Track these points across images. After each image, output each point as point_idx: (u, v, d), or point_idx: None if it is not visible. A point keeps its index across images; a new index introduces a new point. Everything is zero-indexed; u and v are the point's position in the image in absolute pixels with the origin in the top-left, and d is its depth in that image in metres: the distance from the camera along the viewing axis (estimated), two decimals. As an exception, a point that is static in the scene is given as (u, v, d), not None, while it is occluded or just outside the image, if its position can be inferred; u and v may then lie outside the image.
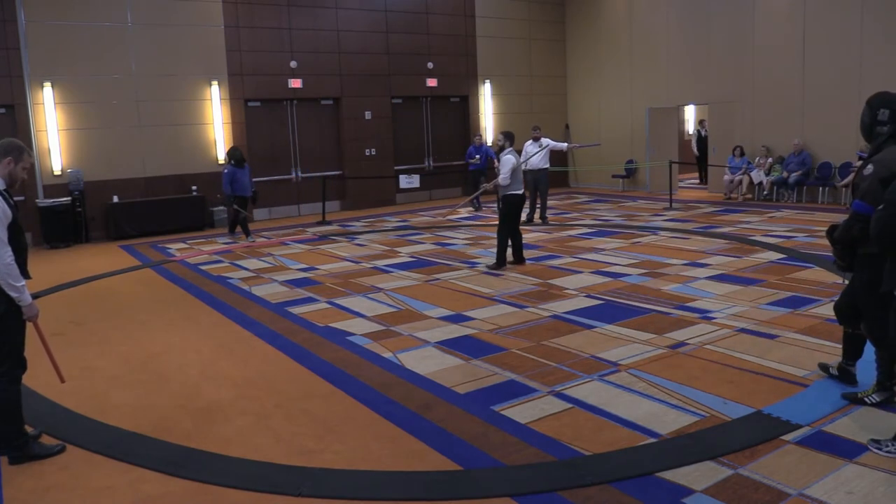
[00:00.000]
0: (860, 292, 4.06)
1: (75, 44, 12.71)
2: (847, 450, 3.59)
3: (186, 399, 4.80)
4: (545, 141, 12.11)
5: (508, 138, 8.78)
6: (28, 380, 5.27)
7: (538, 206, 12.30)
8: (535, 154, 11.86)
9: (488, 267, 8.51)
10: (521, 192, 8.60)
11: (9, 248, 3.71)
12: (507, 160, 8.48)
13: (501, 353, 5.36)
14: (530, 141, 12.09)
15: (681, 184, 17.66)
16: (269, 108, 15.03)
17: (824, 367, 4.60)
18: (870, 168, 3.88)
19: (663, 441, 3.80)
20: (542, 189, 12.10)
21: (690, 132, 20.12)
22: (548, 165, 12.18)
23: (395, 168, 16.33)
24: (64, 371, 5.45)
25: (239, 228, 12.26)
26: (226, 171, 11.77)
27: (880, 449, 3.54)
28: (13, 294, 3.76)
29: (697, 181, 18.73)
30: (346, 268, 9.10)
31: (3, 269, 3.69)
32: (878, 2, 12.48)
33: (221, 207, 14.04)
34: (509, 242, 8.56)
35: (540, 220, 12.18)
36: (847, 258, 4.09)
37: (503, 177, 8.43)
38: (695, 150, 18.97)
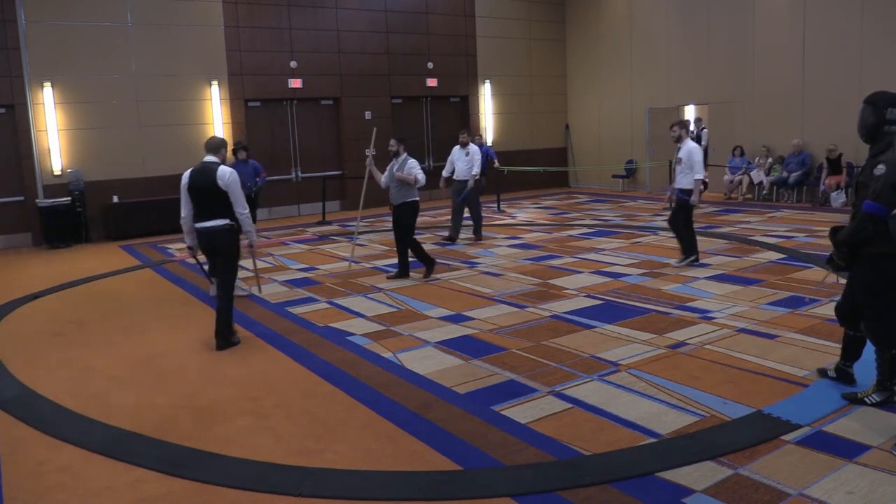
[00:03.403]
0: (862, 293, 4.05)
1: (75, 44, 12.71)
2: (847, 450, 3.59)
3: (186, 399, 4.80)
4: (473, 148, 10.53)
5: (403, 142, 8.22)
6: (29, 380, 5.28)
7: (466, 221, 10.99)
8: (460, 162, 10.49)
9: (388, 278, 8.18)
10: (418, 198, 8.12)
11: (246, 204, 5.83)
12: (414, 164, 8.02)
13: (501, 353, 5.36)
14: (457, 147, 10.60)
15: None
16: (269, 108, 15.03)
17: (822, 372, 4.60)
18: (881, 168, 3.81)
19: (663, 441, 3.80)
20: (470, 203, 10.63)
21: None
22: (476, 176, 10.50)
23: (395, 168, 16.31)
24: (63, 371, 5.49)
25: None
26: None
27: None
28: (251, 231, 5.93)
29: None
30: (346, 268, 9.10)
31: (246, 219, 5.80)
32: (878, 2, 12.48)
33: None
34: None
35: (473, 236, 10.85)
36: (848, 259, 4.08)
37: (421, 176, 7.96)
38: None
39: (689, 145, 8.03)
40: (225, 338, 5.85)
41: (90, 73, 12.87)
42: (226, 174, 5.69)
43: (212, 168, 5.73)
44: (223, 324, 5.84)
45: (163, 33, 13.45)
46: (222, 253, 5.83)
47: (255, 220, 11.69)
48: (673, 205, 8.28)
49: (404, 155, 8.13)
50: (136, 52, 13.23)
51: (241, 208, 5.76)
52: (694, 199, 7.98)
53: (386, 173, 8.26)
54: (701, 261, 8.36)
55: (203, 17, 13.85)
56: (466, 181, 10.45)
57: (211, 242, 5.80)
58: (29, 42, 12.34)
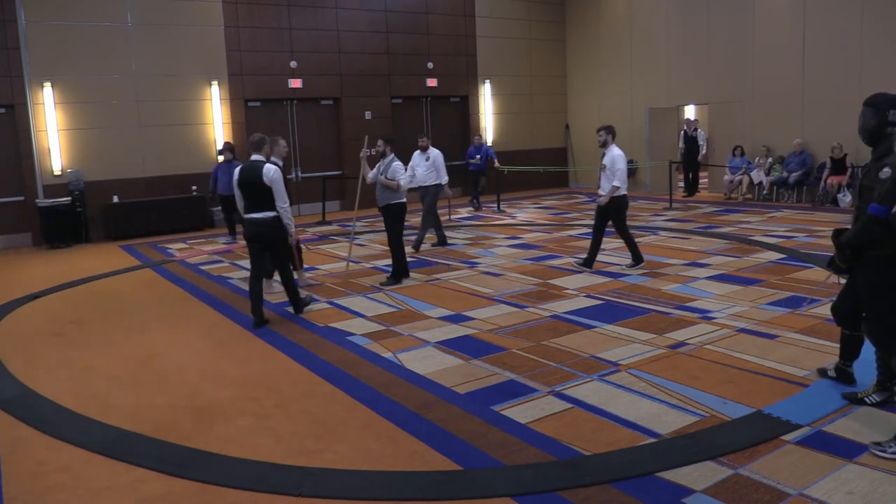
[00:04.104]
0: (865, 295, 4.04)
1: (75, 44, 12.71)
2: (847, 450, 3.59)
3: (186, 399, 4.80)
4: (434, 152, 10.20)
5: (390, 143, 8.16)
6: (29, 380, 5.29)
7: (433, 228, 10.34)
8: (420, 167, 10.08)
9: (382, 284, 7.97)
10: (405, 200, 8.06)
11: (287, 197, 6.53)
12: (399, 166, 7.97)
13: (501, 353, 5.36)
14: (417, 152, 10.29)
15: (680, 184, 17.60)
16: (269, 108, 15.03)
17: (822, 372, 4.60)
18: (886, 171, 3.81)
19: (663, 441, 3.80)
20: (426, 210, 10.02)
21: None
22: (438, 182, 10.08)
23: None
24: (63, 371, 5.50)
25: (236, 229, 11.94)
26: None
27: (885, 451, 3.51)
28: (289, 224, 6.55)
29: (682, 190, 16.11)
30: (344, 268, 9.09)
31: (285, 212, 6.50)
32: (878, 2, 12.48)
33: (219, 208, 14.02)
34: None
35: (412, 248, 9.82)
36: (850, 261, 4.08)
37: (405, 179, 7.93)
38: (679, 154, 15.92)
39: (614, 152, 7.92)
40: (297, 305, 6.77)
41: (90, 73, 12.87)
42: (270, 171, 6.38)
43: (258, 166, 6.41)
44: (293, 296, 6.74)
45: (163, 33, 13.45)
46: (269, 240, 6.52)
47: (236, 227, 11.87)
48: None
49: (391, 156, 8.09)
50: (136, 52, 13.24)
51: (282, 202, 6.49)
52: (602, 200, 7.95)
53: (374, 170, 8.25)
54: (700, 261, 8.37)
55: (203, 17, 13.86)
56: (428, 187, 10.03)
57: (257, 231, 6.49)
58: (29, 42, 12.34)
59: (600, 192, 8.12)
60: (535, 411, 4.26)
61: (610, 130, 8.08)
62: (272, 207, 6.46)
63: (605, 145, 8.03)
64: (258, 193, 6.40)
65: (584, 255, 8.32)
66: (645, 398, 4.38)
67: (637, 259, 8.15)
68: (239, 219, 11.57)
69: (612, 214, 8.02)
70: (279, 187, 6.43)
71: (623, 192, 7.94)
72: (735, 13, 14.70)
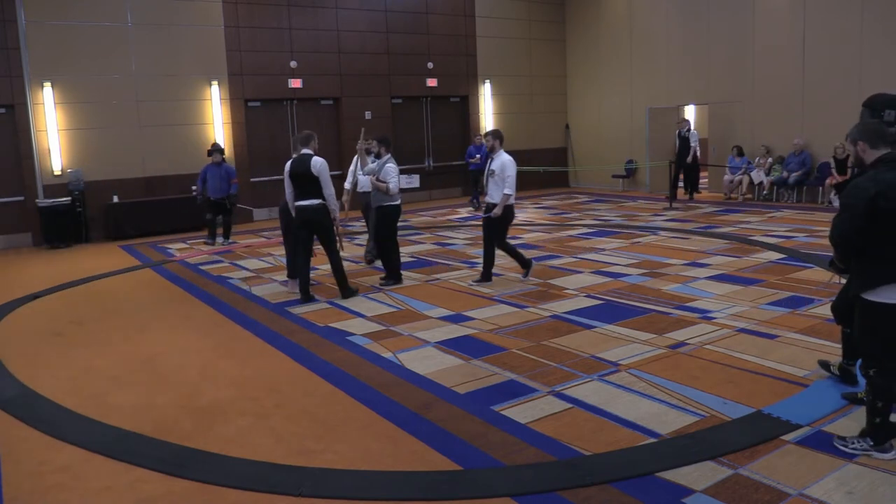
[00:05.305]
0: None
1: (75, 44, 12.71)
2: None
3: (186, 399, 4.80)
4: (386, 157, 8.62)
5: (384, 143, 8.00)
6: (29, 380, 5.29)
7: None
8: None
9: (381, 284, 7.95)
10: (399, 202, 7.98)
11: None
12: (392, 168, 7.81)
13: (501, 353, 5.36)
14: (371, 156, 8.86)
15: (680, 184, 17.54)
16: (269, 108, 15.03)
17: (825, 365, 4.60)
18: None
19: (663, 441, 3.80)
20: (372, 218, 8.58)
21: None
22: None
23: (395, 168, 16.30)
24: (63, 371, 5.50)
25: (219, 232, 11.77)
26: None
27: (846, 446, 3.58)
28: (334, 209, 7.20)
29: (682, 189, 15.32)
30: (345, 268, 9.07)
31: (332, 199, 7.11)
32: (878, 2, 12.48)
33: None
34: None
35: (366, 257, 9.34)
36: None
37: (393, 182, 7.78)
38: (674, 156, 15.13)
39: (503, 157, 7.56)
40: (347, 289, 7.32)
41: (90, 73, 12.87)
42: (318, 163, 7.04)
43: (307, 159, 7.08)
44: (341, 280, 7.31)
45: (163, 33, 13.45)
46: (317, 225, 7.16)
47: (230, 229, 11.84)
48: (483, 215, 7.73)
49: (386, 156, 7.98)
50: (136, 52, 13.23)
51: (329, 190, 7.10)
52: (496, 211, 7.45)
53: (373, 165, 8.10)
54: (700, 261, 8.37)
55: (203, 17, 13.85)
56: (370, 193, 8.57)
57: (307, 217, 7.12)
58: (29, 42, 12.34)
59: (487, 199, 7.72)
60: (535, 411, 4.26)
61: (497, 135, 7.76)
62: (318, 196, 7.07)
63: (493, 150, 7.71)
64: (307, 183, 7.03)
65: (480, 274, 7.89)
66: (645, 398, 4.38)
67: (527, 266, 7.80)
68: (209, 221, 11.43)
69: (496, 225, 7.59)
70: (325, 177, 7.05)
71: (511, 201, 7.59)
72: (735, 13, 14.70)
